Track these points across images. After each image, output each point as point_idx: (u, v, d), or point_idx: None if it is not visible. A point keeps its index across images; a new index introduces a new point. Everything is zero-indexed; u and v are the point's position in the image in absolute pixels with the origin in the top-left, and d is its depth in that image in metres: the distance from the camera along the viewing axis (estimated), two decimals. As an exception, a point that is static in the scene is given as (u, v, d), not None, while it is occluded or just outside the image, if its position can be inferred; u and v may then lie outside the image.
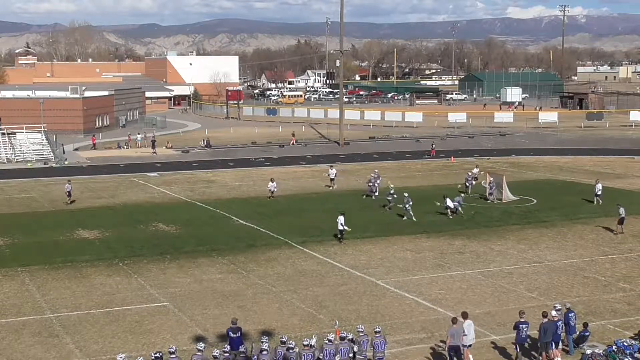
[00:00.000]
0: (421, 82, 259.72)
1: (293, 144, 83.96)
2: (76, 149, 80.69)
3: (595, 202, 45.81)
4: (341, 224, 36.88)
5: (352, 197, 50.27)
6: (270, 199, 49.28)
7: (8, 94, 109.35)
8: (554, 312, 22.43)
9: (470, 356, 21.58)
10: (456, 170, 62.36)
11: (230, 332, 21.92)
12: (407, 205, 41.97)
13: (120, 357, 19.12)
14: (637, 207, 45.35)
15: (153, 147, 78.12)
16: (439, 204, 43.45)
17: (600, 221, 40.98)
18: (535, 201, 47.02)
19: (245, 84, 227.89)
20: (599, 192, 45.96)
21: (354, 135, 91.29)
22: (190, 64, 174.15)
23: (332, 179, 53.84)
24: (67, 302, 28.25)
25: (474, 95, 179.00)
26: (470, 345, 21.68)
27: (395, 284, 30.18)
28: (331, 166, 56.71)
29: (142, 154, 76.43)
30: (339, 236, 37.23)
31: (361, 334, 21.02)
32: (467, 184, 50.34)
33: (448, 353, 21.67)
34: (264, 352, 19.99)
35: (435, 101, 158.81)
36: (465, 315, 22.17)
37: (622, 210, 38.78)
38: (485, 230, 39.66)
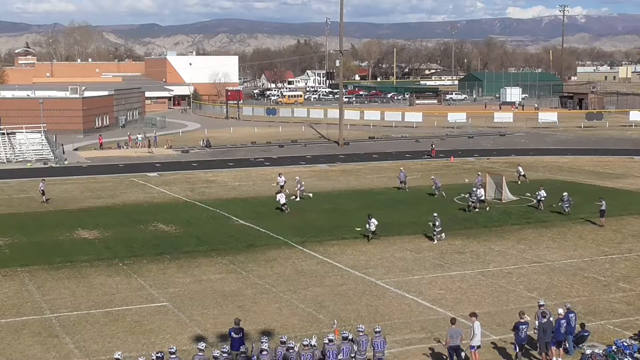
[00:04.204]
0: (421, 82, 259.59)
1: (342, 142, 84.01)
2: (76, 149, 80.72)
3: (539, 207, 44.71)
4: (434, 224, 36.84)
5: (352, 196, 50.29)
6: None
7: (8, 94, 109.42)
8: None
9: None
10: (456, 171, 62.41)
11: (232, 332, 21.95)
12: (565, 204, 42.01)
13: (118, 355, 19.31)
14: (637, 207, 45.42)
15: (149, 145, 79.34)
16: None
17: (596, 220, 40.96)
18: (534, 201, 46.98)
19: (245, 84, 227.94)
20: (542, 198, 44.72)
21: (353, 135, 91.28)
22: (190, 64, 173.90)
23: (282, 186, 50.58)
24: (67, 302, 28.26)
25: (474, 95, 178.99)
26: (479, 347, 21.62)
27: (394, 284, 30.19)
28: (280, 174, 53.03)
29: (142, 154, 76.49)
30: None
31: (361, 334, 21.03)
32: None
33: (448, 353, 21.66)
34: (264, 352, 20.00)
35: (435, 101, 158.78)
36: (474, 316, 22.10)
37: (603, 203, 40.18)
38: (484, 230, 39.67)
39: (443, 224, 37.53)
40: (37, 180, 58.75)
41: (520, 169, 55.70)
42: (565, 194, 43.43)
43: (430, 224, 37.51)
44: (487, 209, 44.74)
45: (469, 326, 22.25)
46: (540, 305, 22.71)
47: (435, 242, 36.72)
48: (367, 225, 37.32)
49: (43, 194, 49.33)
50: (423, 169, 63.77)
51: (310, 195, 49.41)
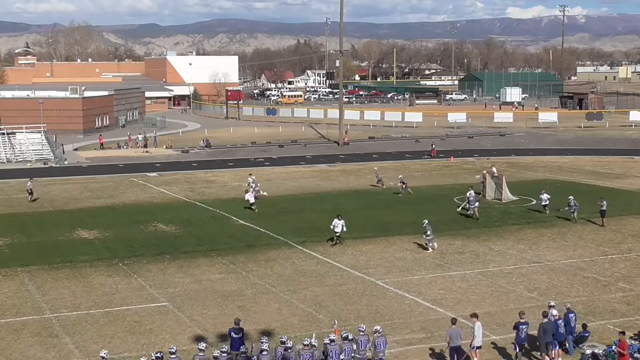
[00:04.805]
0: (421, 82, 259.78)
1: (345, 140, 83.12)
2: (76, 149, 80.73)
3: (543, 212, 43.36)
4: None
5: (352, 196, 50.31)
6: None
7: (8, 94, 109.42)
8: (555, 312, 22.43)
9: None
10: (456, 171, 62.42)
11: (232, 332, 21.95)
12: (572, 210, 41.15)
13: (104, 354, 19.50)
14: (637, 207, 45.42)
15: (145, 145, 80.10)
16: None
17: (597, 220, 40.93)
18: (534, 201, 46.95)
19: (245, 84, 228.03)
20: (546, 202, 43.25)
21: (353, 135, 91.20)
22: (190, 64, 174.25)
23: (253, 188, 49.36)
24: (67, 302, 28.25)
25: (474, 96, 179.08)
26: (479, 347, 21.64)
27: (394, 284, 30.18)
28: (250, 174, 52.25)
29: (141, 154, 76.51)
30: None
31: (361, 334, 21.02)
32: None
33: (449, 354, 21.65)
34: (264, 353, 20.00)
35: (435, 101, 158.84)
36: (475, 316, 22.10)
37: (604, 203, 40.22)
38: (484, 230, 39.64)
39: (434, 228, 36.03)
40: (37, 181, 58.96)
41: (494, 169, 53.01)
42: (570, 197, 42.12)
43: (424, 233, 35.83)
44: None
45: (469, 326, 22.25)
46: (550, 306, 22.71)
47: (430, 250, 35.07)
48: (334, 225, 36.20)
49: (30, 193, 49.49)
50: (423, 169, 63.82)
51: (266, 194, 49.16)
